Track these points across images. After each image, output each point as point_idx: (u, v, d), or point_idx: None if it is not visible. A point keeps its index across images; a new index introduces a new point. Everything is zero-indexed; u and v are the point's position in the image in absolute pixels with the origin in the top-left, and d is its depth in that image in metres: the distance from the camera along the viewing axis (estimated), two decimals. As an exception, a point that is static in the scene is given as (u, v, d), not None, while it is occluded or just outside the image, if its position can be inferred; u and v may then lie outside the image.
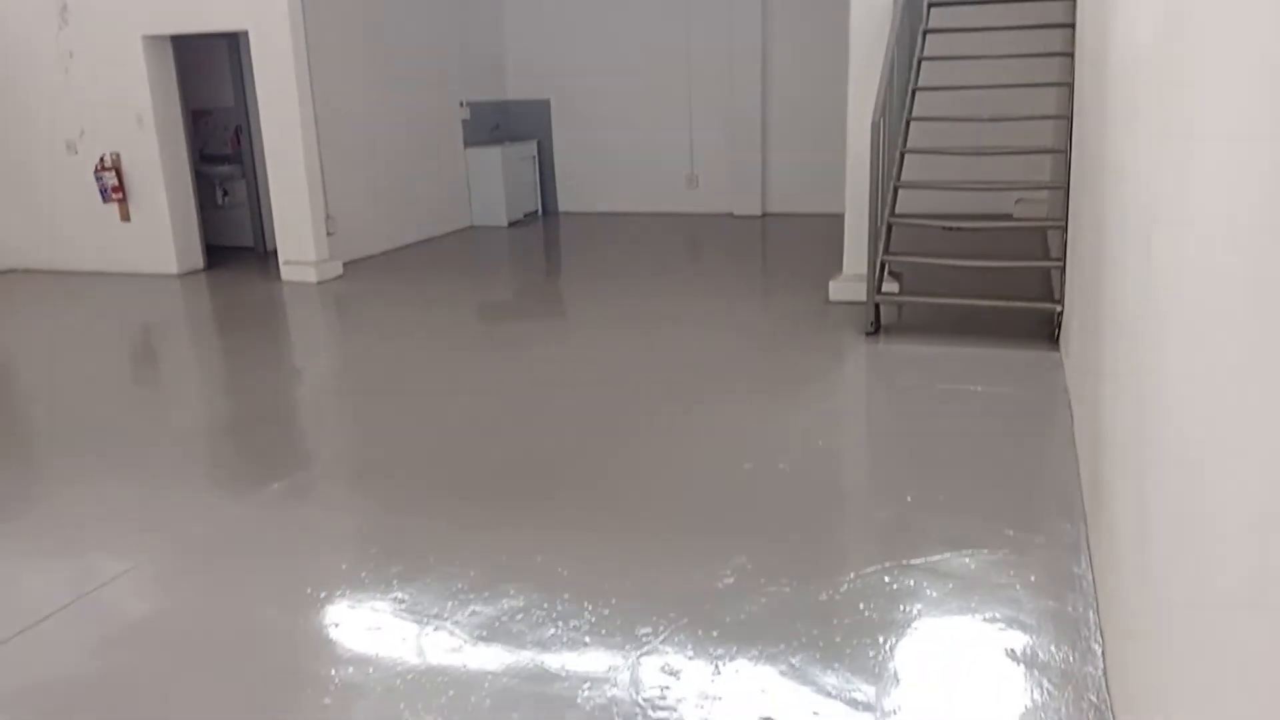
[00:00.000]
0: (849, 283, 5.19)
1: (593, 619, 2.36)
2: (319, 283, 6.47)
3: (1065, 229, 4.33)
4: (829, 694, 2.04)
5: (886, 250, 4.81)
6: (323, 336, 5.76)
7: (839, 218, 5.35)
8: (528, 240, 8.19)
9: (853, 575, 2.51)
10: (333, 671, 2.22)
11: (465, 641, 2.30)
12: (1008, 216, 6.54)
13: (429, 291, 6.31)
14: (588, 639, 2.29)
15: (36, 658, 2.34)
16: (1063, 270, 4.35)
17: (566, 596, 2.47)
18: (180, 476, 3.48)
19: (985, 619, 2.28)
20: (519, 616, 2.39)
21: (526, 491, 3.17)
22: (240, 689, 2.19)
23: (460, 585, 2.55)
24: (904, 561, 2.55)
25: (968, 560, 2.54)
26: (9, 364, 5.13)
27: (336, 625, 2.41)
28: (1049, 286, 4.96)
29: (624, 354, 4.70)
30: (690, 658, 2.19)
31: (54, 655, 2.35)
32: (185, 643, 2.39)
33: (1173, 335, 1.56)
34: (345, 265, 6.75)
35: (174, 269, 6.86)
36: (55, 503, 3.29)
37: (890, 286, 4.92)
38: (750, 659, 2.18)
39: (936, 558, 2.56)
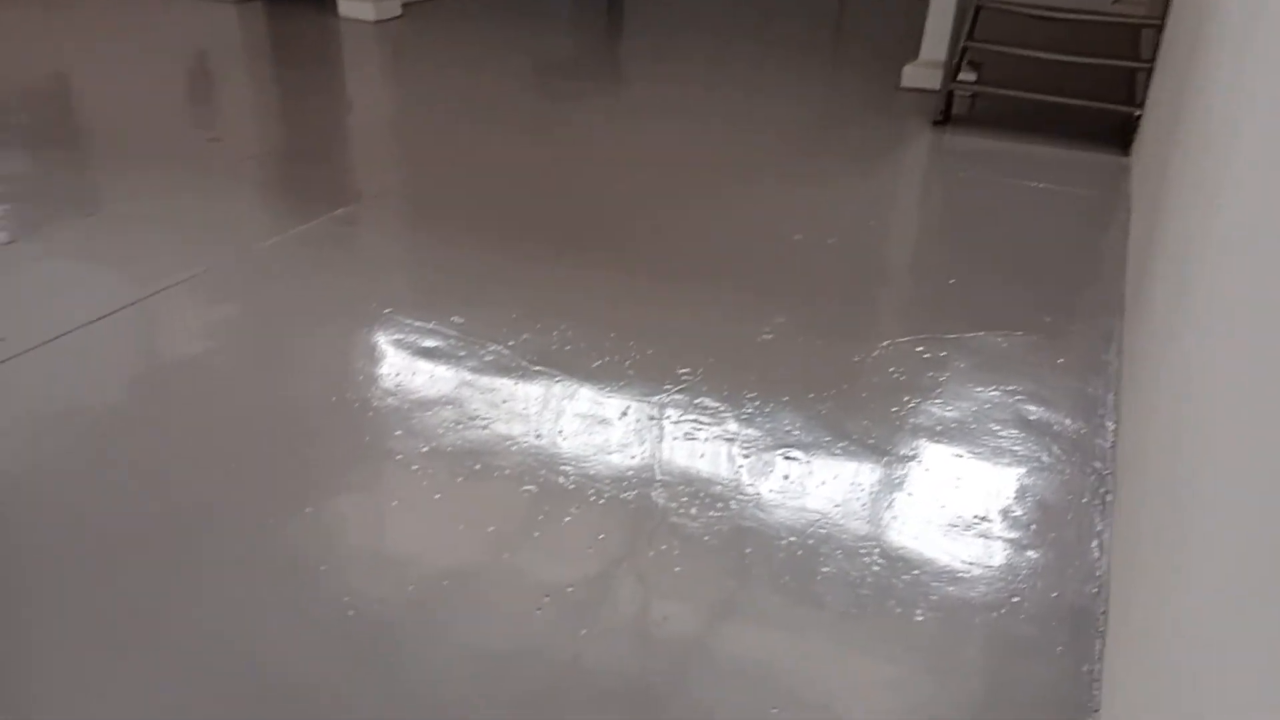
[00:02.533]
0: (924, 69, 5.00)
1: (636, 356, 2.51)
2: (376, 21, 6.33)
3: (1162, 29, 4.11)
4: (849, 438, 2.20)
5: (970, 37, 4.59)
6: (379, 76, 5.71)
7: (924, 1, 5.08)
8: (594, -1, 7.86)
9: (887, 343, 2.62)
10: (397, 378, 2.40)
11: (518, 363, 2.47)
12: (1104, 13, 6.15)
13: (487, 40, 6.16)
14: (630, 372, 2.44)
15: (98, 351, 2.55)
16: (1150, 73, 4.17)
17: (613, 335, 2.61)
18: (242, 196, 3.60)
19: (1008, 390, 2.39)
20: (568, 347, 2.55)
21: (580, 239, 3.26)
22: (304, 391, 2.39)
23: (514, 315, 2.69)
24: (939, 335, 2.64)
25: (1001, 340, 2.63)
26: (68, 78, 5.18)
27: (399, 340, 2.58)
28: (1132, 90, 4.76)
29: (681, 122, 4.64)
30: (725, 397, 2.35)
31: (116, 350, 2.56)
32: (247, 347, 2.58)
33: (1241, 142, 1.55)
34: (404, 6, 6.57)
35: (234, -4, 6.72)
36: (120, 211, 3.43)
37: (967, 76, 4.74)
38: (780, 404, 2.33)
39: (971, 335, 2.65)
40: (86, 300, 2.69)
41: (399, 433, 2.18)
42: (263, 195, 3.70)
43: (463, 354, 2.51)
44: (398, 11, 6.47)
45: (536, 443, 2.16)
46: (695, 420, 2.26)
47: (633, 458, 2.12)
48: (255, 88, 5.23)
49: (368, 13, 6.32)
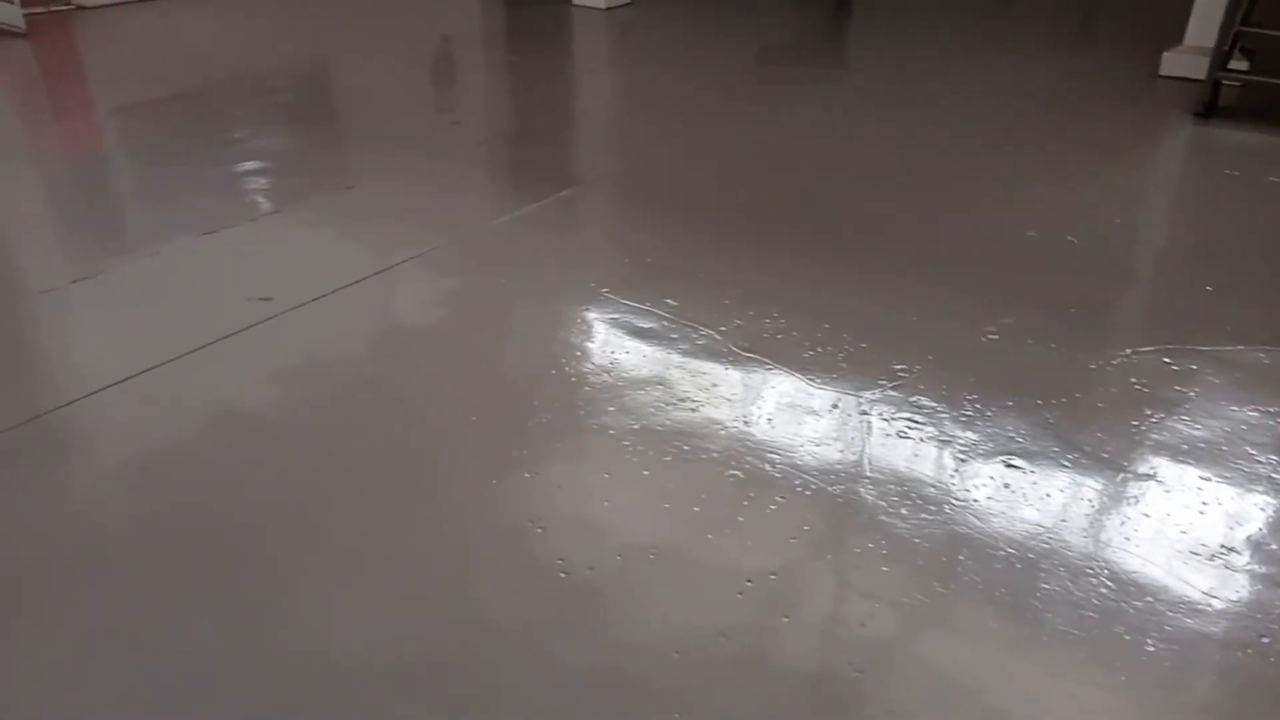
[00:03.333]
0: (1187, 56, 4.58)
1: (850, 349, 2.46)
2: (606, 9, 6.50)
3: None
4: (1080, 450, 2.06)
5: (1246, 21, 4.16)
6: (605, 62, 5.86)
7: (1191, -22, 4.64)
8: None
9: (1129, 351, 2.42)
10: (611, 356, 2.47)
11: (729, 349, 2.48)
12: None
13: (712, 27, 6.20)
14: (843, 365, 2.39)
15: (346, 314, 2.76)
16: None
17: (827, 326, 2.56)
18: (475, 177, 3.80)
19: (1268, 411, 2.16)
20: (779, 336, 2.53)
21: (796, 227, 3.22)
22: (525, 362, 2.50)
23: (727, 301, 2.70)
24: (1189, 346, 2.42)
25: (1263, 356, 2.38)
26: (328, 62, 5.64)
27: (614, 319, 2.65)
28: None
29: (908, 110, 4.48)
30: (942, 397, 2.26)
31: (361, 314, 2.77)
32: (475, 319, 2.73)
33: None
34: (636, -5, 6.71)
35: (477, -14, 7.10)
36: (370, 186, 3.69)
37: (1239, 65, 4.30)
38: (1003, 409, 2.21)
39: (1227, 348, 2.41)
40: (339, 267, 2.93)
41: (612, 409, 2.24)
42: (494, 176, 3.90)
43: (675, 336, 2.54)
44: (627, -1, 6.62)
45: (744, 429, 2.16)
46: (909, 419, 2.19)
47: (841, 451, 2.08)
48: (491, 73, 5.51)
49: (599, 0, 6.50)
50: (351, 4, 6.99)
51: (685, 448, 2.11)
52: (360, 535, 1.88)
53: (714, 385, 2.32)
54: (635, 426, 2.18)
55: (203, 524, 1.91)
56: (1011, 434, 2.12)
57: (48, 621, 1.68)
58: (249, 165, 3.78)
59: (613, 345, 2.52)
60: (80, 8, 6.30)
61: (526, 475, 2.03)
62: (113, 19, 6.21)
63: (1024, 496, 1.94)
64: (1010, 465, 2.03)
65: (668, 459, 2.08)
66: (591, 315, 2.68)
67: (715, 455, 2.08)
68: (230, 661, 1.60)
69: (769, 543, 1.84)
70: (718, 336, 2.53)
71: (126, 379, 2.35)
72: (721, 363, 2.42)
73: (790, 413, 2.22)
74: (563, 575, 1.76)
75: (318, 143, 4.14)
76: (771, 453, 2.08)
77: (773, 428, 2.17)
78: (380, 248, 3.08)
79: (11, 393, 2.35)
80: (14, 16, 5.62)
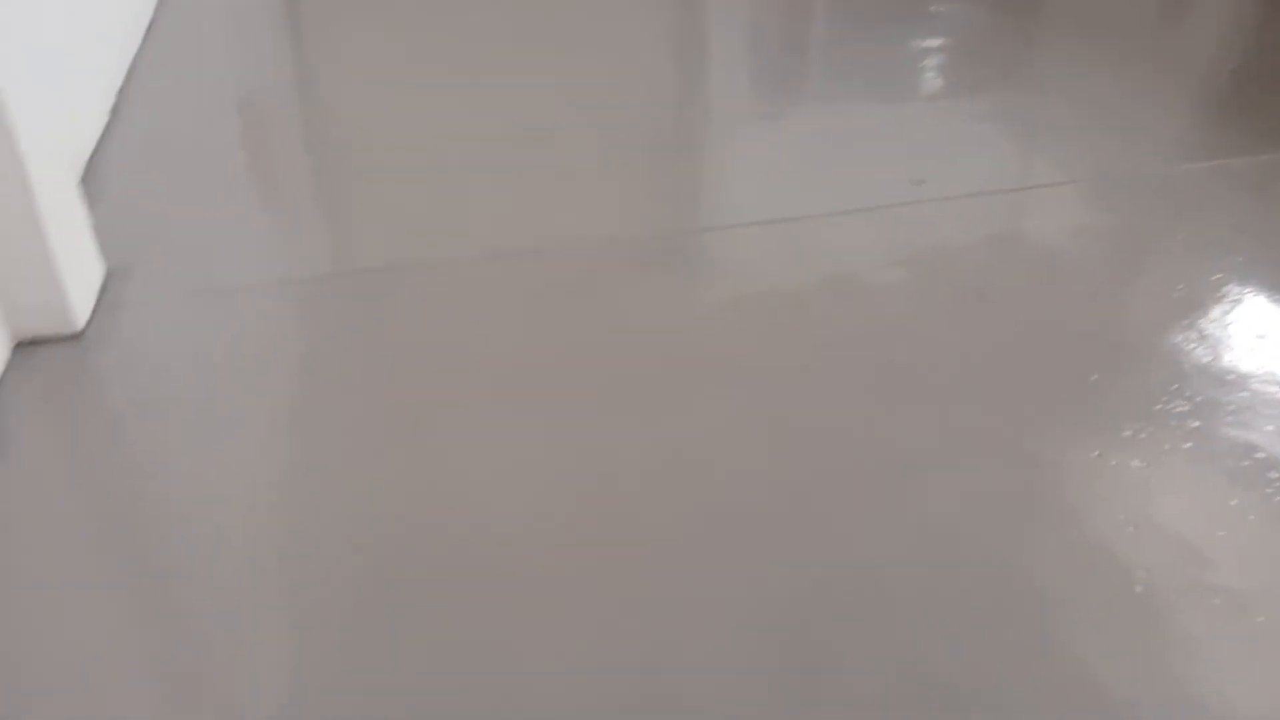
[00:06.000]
0: None
1: None
2: None
3: None
4: None
5: None
6: None
7: None
8: None
9: None
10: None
11: None
12: None
13: None
14: None
15: (982, 220, 2.57)
16: None
17: None
18: (1183, 100, 3.25)
19: None
20: None
21: None
22: (1168, 332, 2.12)
23: None
24: None
25: None
26: None
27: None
28: None
29: None
30: None
31: (989, 223, 2.56)
32: (1119, 270, 2.37)
33: None
34: None
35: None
36: (1055, 88, 3.31)
37: None
38: None
39: None
40: (996, 169, 2.77)
41: (1271, 427, 1.83)
42: (1205, 110, 3.29)
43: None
44: None
45: None
46: None
47: None
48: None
49: None
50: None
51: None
52: (942, 469, 1.79)
53: None
54: (1293, 459, 1.75)
55: (800, 374, 1.97)
56: None
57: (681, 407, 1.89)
58: (939, 40, 3.68)
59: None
60: None
61: (1136, 464, 1.76)
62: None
63: None
64: None
65: (1327, 516, 1.65)
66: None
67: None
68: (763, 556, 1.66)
69: None
70: None
71: (771, 221, 2.49)
72: None
73: None
74: (1138, 589, 1.52)
75: (1014, 28, 3.86)
76: None
77: None
78: (1045, 159, 2.83)
79: (677, 205, 2.64)
80: None
